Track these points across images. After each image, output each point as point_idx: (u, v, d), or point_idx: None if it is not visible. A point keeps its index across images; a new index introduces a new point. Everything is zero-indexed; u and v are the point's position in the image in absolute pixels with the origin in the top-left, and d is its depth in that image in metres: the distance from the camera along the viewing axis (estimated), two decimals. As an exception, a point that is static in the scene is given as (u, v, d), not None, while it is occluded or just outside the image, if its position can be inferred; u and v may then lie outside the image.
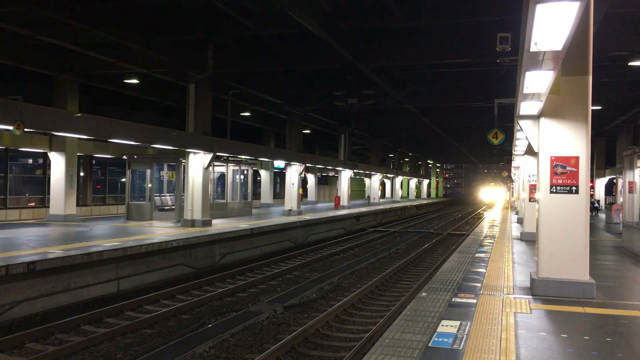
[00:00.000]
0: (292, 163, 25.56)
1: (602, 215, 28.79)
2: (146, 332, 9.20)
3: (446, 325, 6.25)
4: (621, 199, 17.07)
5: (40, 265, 10.16)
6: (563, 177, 7.79)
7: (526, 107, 7.89)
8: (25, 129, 11.94)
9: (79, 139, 18.60)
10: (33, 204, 22.24)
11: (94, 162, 25.66)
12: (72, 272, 11.02)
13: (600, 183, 36.05)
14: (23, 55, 16.81)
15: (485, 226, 23.58)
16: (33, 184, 23.52)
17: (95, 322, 9.74)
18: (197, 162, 18.01)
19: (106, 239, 13.96)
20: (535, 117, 8.12)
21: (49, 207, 19.77)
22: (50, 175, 19.51)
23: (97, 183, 26.45)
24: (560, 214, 7.80)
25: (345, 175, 33.20)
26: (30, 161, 24.01)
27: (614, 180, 32.40)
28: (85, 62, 18.00)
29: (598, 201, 33.35)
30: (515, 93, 9.25)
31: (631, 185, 13.75)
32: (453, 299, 7.67)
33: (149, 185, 20.80)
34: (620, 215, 17.16)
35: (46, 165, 22.12)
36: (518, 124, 8.64)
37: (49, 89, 19.16)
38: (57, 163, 18.95)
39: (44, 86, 19.80)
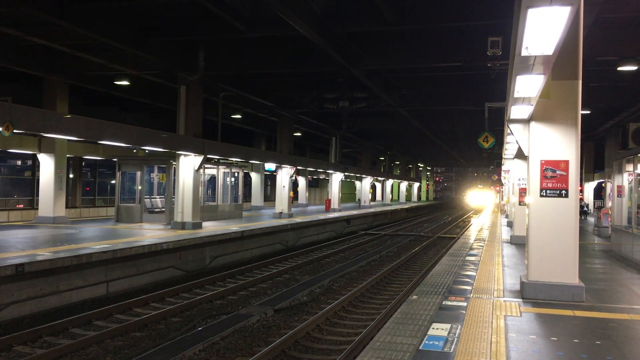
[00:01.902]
0: (283, 166, 25.54)
1: (591, 219, 28.99)
2: (135, 335, 9.14)
3: (437, 329, 6.26)
4: (610, 203, 17.20)
5: (28, 268, 10.08)
6: (553, 180, 7.84)
7: (517, 111, 7.93)
8: (15, 130, 11.85)
9: (69, 140, 18.50)
10: (21, 205, 22.06)
11: (83, 163, 25.48)
12: (60, 275, 10.93)
13: (589, 187, 36.30)
14: (12, 56, 16.67)
15: (475, 229, 23.67)
16: (22, 185, 23.33)
17: (84, 325, 9.67)
18: (188, 164, 17.94)
19: (95, 241, 13.87)
20: (526, 121, 8.17)
21: (37, 209, 19.62)
22: (39, 176, 19.36)
23: (87, 185, 26.27)
24: (550, 218, 7.84)
25: (336, 178, 33.22)
26: (19, 163, 23.82)
27: (603, 184, 32.65)
28: (75, 63, 17.88)
29: (587, 205, 33.57)
30: (505, 97, 9.30)
31: (620, 189, 13.86)
32: (444, 302, 7.68)
33: (139, 187, 20.69)
34: (609, 219, 17.30)
35: (35, 166, 21.95)
36: (508, 127, 8.68)
37: (38, 90, 19.02)
38: (46, 165, 18.81)
39: (33, 87, 19.66)
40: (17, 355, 8.05)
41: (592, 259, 13.08)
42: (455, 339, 5.87)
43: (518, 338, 5.94)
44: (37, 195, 19.99)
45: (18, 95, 13.42)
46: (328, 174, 34.54)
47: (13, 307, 9.92)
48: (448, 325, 6.40)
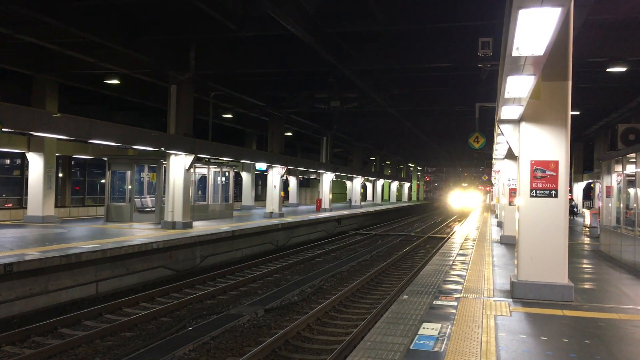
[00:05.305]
0: (274, 165, 25.50)
1: (580, 220, 29.17)
2: (125, 335, 9.10)
3: (427, 328, 6.27)
4: (599, 204, 17.32)
5: (17, 267, 9.99)
6: (543, 181, 7.88)
7: (507, 112, 7.97)
8: (3, 129, 11.73)
9: (58, 139, 18.36)
10: (10, 205, 21.89)
11: (73, 162, 25.34)
12: (50, 274, 10.85)
13: (579, 187, 36.54)
14: (1, 54, 16.52)
15: (465, 229, 23.75)
16: (10, 184, 23.15)
17: (73, 324, 9.61)
18: (178, 163, 17.87)
19: (85, 240, 13.78)
20: (516, 122, 8.21)
21: (26, 208, 19.47)
22: (28, 176, 19.21)
23: (76, 184, 26.13)
24: (540, 218, 7.89)
25: (327, 178, 33.22)
26: (8, 161, 23.64)
27: (592, 185, 32.87)
28: (65, 61, 17.75)
29: (577, 205, 33.78)
30: (496, 97, 9.34)
31: (608, 189, 13.97)
32: (434, 302, 7.70)
33: (129, 186, 20.60)
34: (598, 219, 17.42)
35: (24, 165, 21.79)
36: (499, 128, 8.72)
37: (27, 89, 18.87)
38: (36, 164, 18.67)
39: (22, 85, 19.48)
40: (6, 355, 7.98)
41: (581, 259, 13.17)
42: (446, 338, 5.89)
43: (508, 337, 5.97)
44: (26, 194, 19.84)
45: (6, 94, 13.30)
46: (319, 174, 34.53)
47: (2, 307, 9.83)
48: (438, 325, 6.41)
